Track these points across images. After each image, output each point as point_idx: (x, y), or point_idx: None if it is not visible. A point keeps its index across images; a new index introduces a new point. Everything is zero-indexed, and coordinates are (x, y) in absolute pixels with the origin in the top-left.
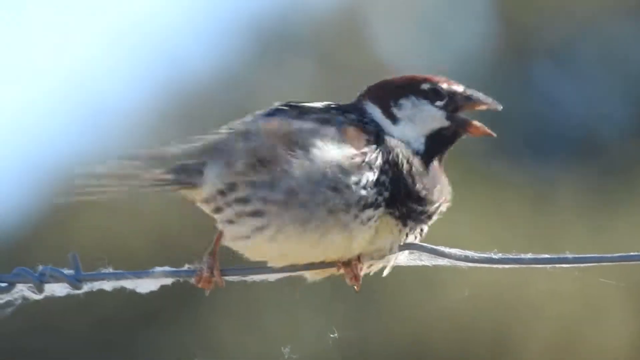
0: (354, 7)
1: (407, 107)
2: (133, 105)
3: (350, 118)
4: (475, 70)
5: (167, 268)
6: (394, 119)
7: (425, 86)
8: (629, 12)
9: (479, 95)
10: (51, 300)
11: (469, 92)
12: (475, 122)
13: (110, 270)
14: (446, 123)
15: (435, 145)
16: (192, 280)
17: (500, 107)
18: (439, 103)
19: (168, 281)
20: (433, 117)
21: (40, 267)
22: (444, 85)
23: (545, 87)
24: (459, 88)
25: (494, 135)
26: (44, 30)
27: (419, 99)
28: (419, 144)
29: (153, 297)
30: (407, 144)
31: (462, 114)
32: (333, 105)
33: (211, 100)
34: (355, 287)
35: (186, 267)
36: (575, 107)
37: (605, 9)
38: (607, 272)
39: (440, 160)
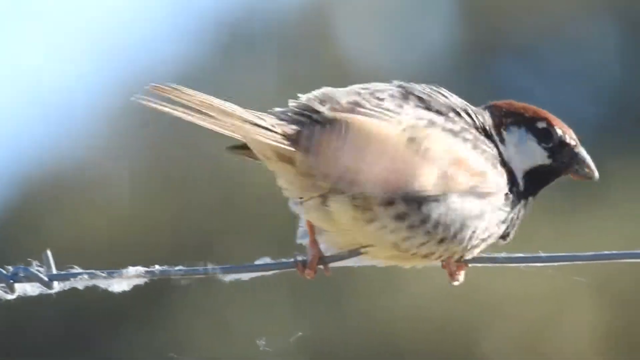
0: (319, 3)
1: (514, 135)
2: (95, 101)
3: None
4: (440, 68)
5: (139, 267)
6: (502, 141)
7: (540, 125)
8: (595, 10)
9: (586, 157)
10: (22, 297)
11: (579, 150)
12: (580, 167)
13: (81, 269)
14: (547, 161)
15: (532, 182)
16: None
17: (596, 177)
18: (544, 145)
19: (141, 281)
20: (535, 154)
21: (11, 268)
22: (559, 131)
23: (511, 85)
24: (571, 141)
25: (597, 177)
26: None
27: (528, 134)
28: (520, 178)
29: (125, 296)
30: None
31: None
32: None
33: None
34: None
35: (160, 267)
36: (542, 105)
37: (571, 7)
38: (577, 271)
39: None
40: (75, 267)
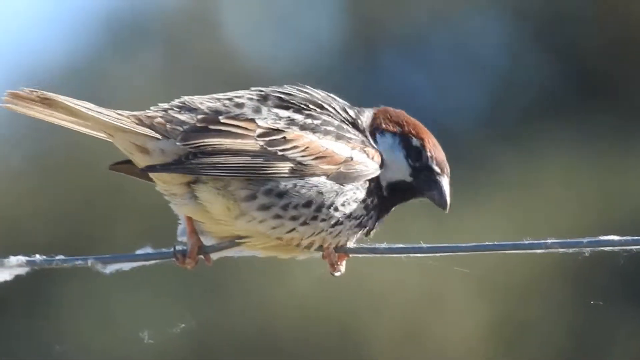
0: None
1: (387, 141)
2: None
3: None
4: (325, 60)
5: (20, 257)
6: (375, 141)
7: (415, 142)
8: (479, 2)
9: (444, 188)
10: None
11: (441, 178)
12: (438, 195)
13: None
14: (409, 179)
15: (391, 193)
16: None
17: (446, 210)
18: (411, 162)
19: (22, 270)
20: (400, 167)
21: None
22: (429, 155)
23: (396, 77)
24: (437, 168)
25: (447, 211)
26: None
27: (400, 145)
28: (384, 186)
29: (7, 287)
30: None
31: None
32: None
33: (60, 90)
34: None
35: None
36: (426, 97)
37: None
38: (458, 262)
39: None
40: None
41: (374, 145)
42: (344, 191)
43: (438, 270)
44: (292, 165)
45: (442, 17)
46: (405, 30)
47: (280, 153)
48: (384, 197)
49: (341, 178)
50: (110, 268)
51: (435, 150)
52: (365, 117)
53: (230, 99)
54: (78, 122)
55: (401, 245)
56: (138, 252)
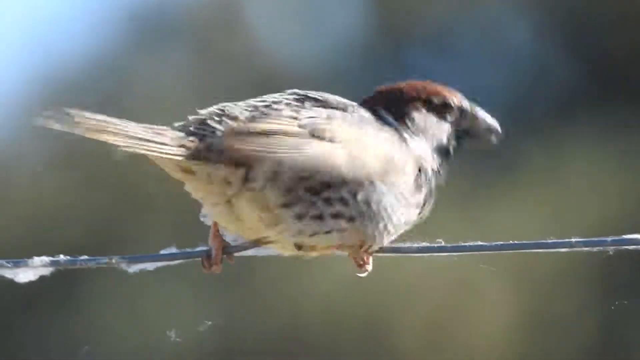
0: None
1: (417, 121)
2: (6, 91)
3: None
4: (352, 54)
5: (44, 257)
6: (408, 129)
7: (437, 100)
8: None
9: (487, 116)
10: None
11: (476, 111)
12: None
13: None
14: (453, 132)
15: (446, 155)
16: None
17: (499, 131)
18: (446, 119)
19: (47, 271)
20: (441, 130)
21: None
22: (454, 100)
23: (422, 72)
24: (467, 107)
25: (500, 131)
26: None
27: (428, 114)
28: (431, 156)
29: (35, 287)
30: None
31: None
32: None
33: (86, 87)
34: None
35: (65, 257)
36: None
37: None
38: (485, 256)
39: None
40: None
41: (410, 136)
42: (390, 186)
43: (465, 265)
44: (346, 157)
45: (470, 12)
46: (432, 25)
47: (328, 137)
48: (434, 170)
49: (385, 181)
50: (134, 268)
51: (453, 93)
52: (385, 114)
53: (267, 105)
54: (116, 141)
55: (424, 245)
56: (162, 251)
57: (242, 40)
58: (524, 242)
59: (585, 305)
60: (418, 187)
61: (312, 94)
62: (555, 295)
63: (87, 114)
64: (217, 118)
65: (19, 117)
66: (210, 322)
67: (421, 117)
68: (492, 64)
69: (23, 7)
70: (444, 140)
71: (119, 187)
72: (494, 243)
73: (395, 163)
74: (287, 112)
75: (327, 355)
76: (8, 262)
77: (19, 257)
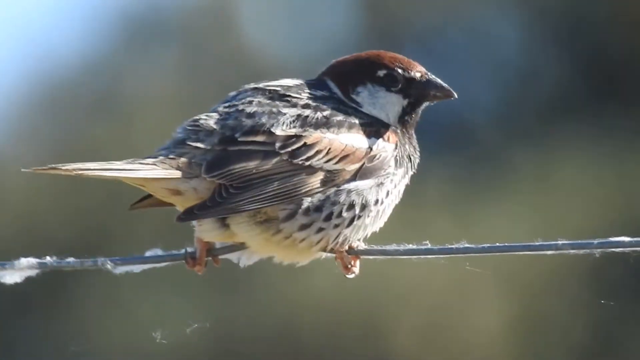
0: None
1: (365, 94)
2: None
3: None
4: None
5: (31, 259)
6: (358, 104)
7: (381, 73)
8: (497, 0)
9: (437, 81)
10: None
11: (428, 77)
12: (437, 91)
13: None
14: (404, 101)
15: (405, 122)
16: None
17: (455, 96)
18: (394, 89)
19: (33, 272)
20: (392, 101)
21: None
22: (400, 72)
23: None
24: (417, 74)
25: (456, 96)
26: None
27: (375, 87)
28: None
29: (22, 287)
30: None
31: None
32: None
33: (79, 85)
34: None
35: (52, 259)
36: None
37: None
38: (477, 260)
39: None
40: None
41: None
42: (378, 183)
43: (461, 268)
44: (321, 176)
45: (460, 15)
46: (422, 28)
47: (307, 163)
48: (404, 137)
49: (368, 173)
50: (121, 269)
51: (402, 61)
52: (334, 88)
53: (240, 110)
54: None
55: (411, 247)
56: (148, 253)
57: (234, 41)
58: (512, 244)
59: (575, 307)
60: (397, 159)
61: (272, 85)
62: (546, 297)
63: (73, 169)
64: (194, 136)
65: (9, 120)
66: (196, 325)
67: (370, 92)
68: (481, 69)
69: (15, 10)
70: (399, 110)
71: (107, 189)
72: (480, 245)
73: (372, 159)
74: (262, 121)
75: (317, 357)
76: None
77: (6, 259)
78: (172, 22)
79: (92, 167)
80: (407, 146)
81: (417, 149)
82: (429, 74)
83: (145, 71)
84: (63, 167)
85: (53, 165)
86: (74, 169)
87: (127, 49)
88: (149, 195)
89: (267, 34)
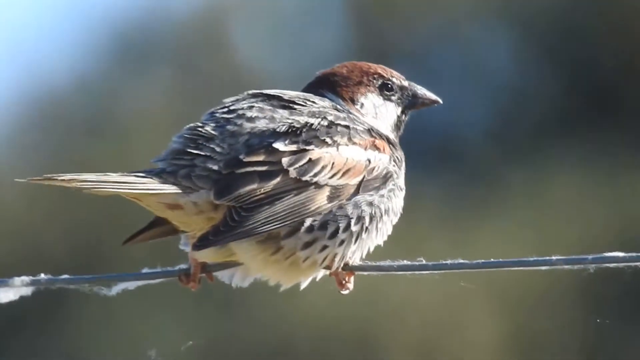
0: (214, 14)
1: (367, 104)
2: None
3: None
4: None
5: (25, 277)
6: (360, 113)
7: (377, 82)
8: (487, 18)
9: (422, 89)
10: None
11: (413, 85)
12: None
13: None
14: (399, 109)
15: (397, 129)
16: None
17: (440, 101)
18: (391, 98)
19: (28, 290)
20: (389, 109)
21: None
22: (395, 80)
23: None
24: (405, 82)
25: (441, 101)
26: None
27: (375, 96)
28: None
29: (17, 306)
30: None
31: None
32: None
33: (71, 103)
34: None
35: (46, 276)
36: (435, 114)
37: (463, 15)
38: (469, 274)
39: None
40: None
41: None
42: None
43: (455, 284)
44: (328, 192)
45: (450, 33)
46: (413, 46)
47: (314, 180)
48: (395, 147)
49: (370, 186)
50: (116, 289)
51: (387, 70)
52: (326, 97)
53: (240, 116)
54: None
55: (405, 263)
56: (143, 270)
57: (226, 59)
58: (505, 260)
59: (569, 324)
60: (396, 164)
61: (274, 92)
62: (540, 314)
63: (90, 177)
64: (192, 145)
65: (4, 138)
66: (191, 342)
67: (367, 99)
68: (474, 88)
69: (9, 28)
70: (395, 117)
71: (102, 206)
72: (475, 261)
73: (371, 171)
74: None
75: None
76: None
77: (0, 276)
78: (165, 41)
79: (88, 179)
80: (397, 155)
81: (402, 159)
82: (411, 82)
83: (140, 90)
84: (59, 178)
85: (48, 176)
86: (70, 179)
87: (121, 68)
88: (142, 231)
89: (259, 52)
